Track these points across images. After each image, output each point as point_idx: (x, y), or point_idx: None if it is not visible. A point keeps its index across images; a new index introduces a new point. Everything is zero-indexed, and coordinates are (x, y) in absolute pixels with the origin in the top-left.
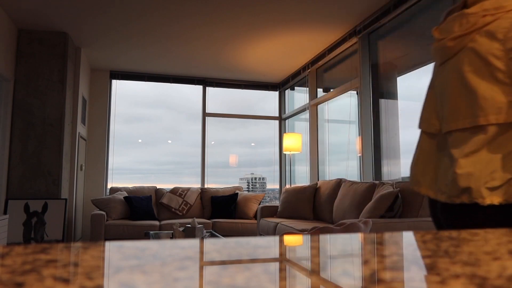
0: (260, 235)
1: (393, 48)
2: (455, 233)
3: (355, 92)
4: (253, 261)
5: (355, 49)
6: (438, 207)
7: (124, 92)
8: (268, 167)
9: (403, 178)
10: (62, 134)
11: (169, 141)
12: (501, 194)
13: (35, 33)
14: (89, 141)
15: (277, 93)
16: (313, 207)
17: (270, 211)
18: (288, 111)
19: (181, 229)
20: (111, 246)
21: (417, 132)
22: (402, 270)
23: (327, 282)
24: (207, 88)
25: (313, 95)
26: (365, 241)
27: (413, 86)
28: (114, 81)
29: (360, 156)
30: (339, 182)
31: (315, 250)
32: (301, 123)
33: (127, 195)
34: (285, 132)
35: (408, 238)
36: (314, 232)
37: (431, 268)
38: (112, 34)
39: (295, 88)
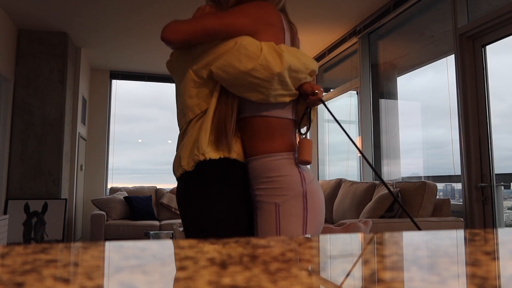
0: None
1: (393, 48)
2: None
3: (355, 92)
4: (253, 261)
5: (355, 49)
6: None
7: (124, 92)
8: None
9: (403, 178)
10: (62, 134)
11: (169, 141)
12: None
13: (35, 33)
14: (89, 141)
15: None
16: None
17: None
18: None
19: (181, 229)
20: (111, 246)
21: (417, 131)
22: (402, 270)
23: (327, 282)
24: None
25: None
26: (365, 241)
27: (413, 86)
28: (114, 81)
29: (360, 156)
30: (339, 182)
31: (315, 250)
32: None
33: (127, 195)
34: None
35: (408, 238)
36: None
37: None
38: (112, 34)
39: None
